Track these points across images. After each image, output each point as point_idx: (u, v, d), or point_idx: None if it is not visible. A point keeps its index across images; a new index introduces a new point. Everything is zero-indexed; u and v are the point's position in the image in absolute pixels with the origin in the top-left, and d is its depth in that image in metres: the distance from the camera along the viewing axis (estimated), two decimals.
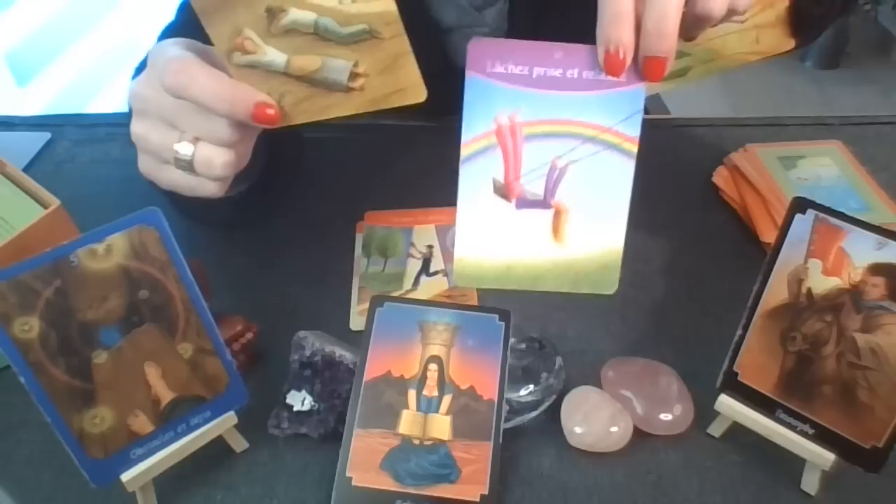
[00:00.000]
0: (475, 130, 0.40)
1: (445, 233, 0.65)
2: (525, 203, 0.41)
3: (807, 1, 0.56)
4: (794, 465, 0.47)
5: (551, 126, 0.40)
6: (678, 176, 0.73)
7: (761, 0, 0.52)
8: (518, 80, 0.39)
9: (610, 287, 0.43)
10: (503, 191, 0.41)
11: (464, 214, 0.41)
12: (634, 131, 0.40)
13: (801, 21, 0.56)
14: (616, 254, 0.42)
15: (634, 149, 0.40)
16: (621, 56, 0.37)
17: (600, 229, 0.42)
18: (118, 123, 0.82)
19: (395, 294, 0.60)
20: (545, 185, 0.41)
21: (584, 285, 0.43)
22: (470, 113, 0.40)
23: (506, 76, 0.39)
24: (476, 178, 0.41)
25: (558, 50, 0.38)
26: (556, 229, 0.41)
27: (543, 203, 0.41)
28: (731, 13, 0.39)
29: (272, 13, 0.41)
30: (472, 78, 0.39)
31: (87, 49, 1.77)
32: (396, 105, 0.43)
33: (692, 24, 0.38)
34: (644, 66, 0.38)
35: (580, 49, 0.38)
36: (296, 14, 0.41)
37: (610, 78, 0.39)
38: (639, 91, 0.39)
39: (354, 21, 0.41)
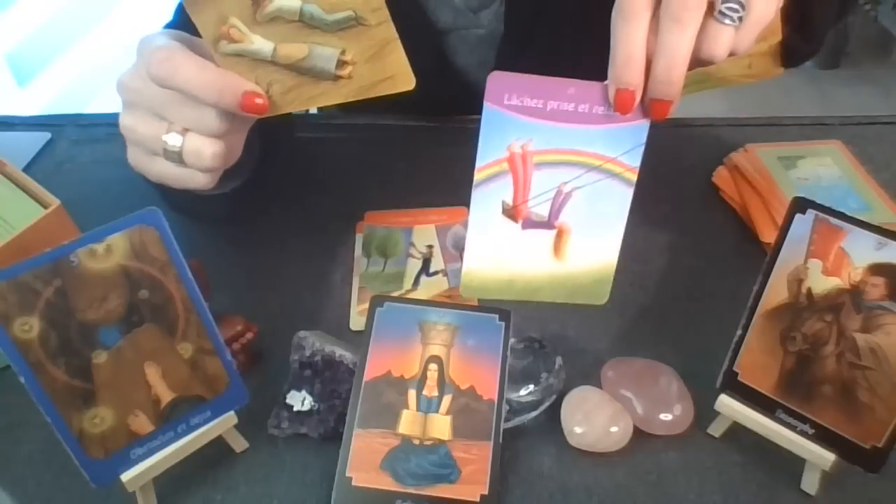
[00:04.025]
0: (489, 157, 0.42)
1: (445, 233, 0.65)
2: (530, 224, 0.44)
3: (797, 39, 0.61)
4: (794, 465, 0.47)
5: (560, 155, 0.42)
6: (678, 176, 0.73)
7: None
8: (533, 112, 0.41)
9: (601, 298, 0.46)
10: (511, 212, 0.43)
11: (474, 232, 0.44)
12: (635, 162, 0.42)
13: (790, 55, 0.62)
14: (609, 269, 0.45)
15: (634, 177, 0.43)
16: (631, 97, 0.39)
17: (597, 248, 0.45)
18: (118, 123, 0.82)
19: (395, 294, 0.60)
20: (550, 208, 0.43)
21: (578, 296, 0.46)
22: (485, 141, 0.42)
23: (521, 108, 0.41)
24: (487, 200, 0.43)
25: (572, 86, 0.40)
26: (557, 247, 0.44)
27: (547, 224, 0.44)
28: (731, 55, 0.40)
29: (257, 1, 0.40)
30: (489, 109, 0.41)
31: (87, 49, 1.77)
32: (385, 93, 0.43)
33: (694, 63, 0.39)
34: (650, 107, 0.40)
35: (592, 86, 0.40)
36: (281, 1, 0.40)
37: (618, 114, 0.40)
38: (643, 126, 0.41)
39: (340, 8, 0.41)
